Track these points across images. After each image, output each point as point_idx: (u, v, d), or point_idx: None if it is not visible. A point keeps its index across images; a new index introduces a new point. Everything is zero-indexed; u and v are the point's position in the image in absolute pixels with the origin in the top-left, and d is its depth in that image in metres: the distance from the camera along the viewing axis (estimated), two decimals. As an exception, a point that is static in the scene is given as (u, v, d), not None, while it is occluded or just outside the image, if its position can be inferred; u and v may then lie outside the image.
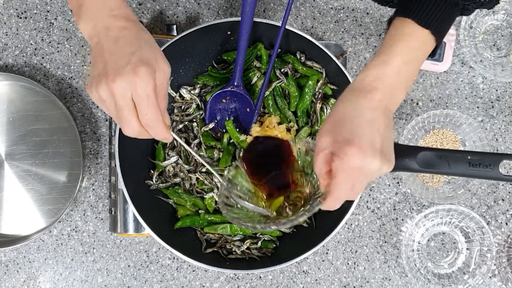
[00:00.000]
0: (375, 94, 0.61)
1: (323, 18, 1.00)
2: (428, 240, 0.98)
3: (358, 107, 0.61)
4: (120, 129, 0.83)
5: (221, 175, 0.80)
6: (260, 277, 0.98)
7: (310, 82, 0.89)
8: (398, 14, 0.65)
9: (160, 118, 0.62)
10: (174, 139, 0.69)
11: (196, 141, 0.90)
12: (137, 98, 0.60)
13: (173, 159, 0.90)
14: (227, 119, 0.91)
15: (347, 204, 0.81)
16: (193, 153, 0.77)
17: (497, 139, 0.99)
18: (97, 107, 0.99)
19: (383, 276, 0.98)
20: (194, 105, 0.92)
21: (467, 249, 0.97)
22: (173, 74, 0.91)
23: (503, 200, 0.98)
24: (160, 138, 0.65)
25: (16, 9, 0.99)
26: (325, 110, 0.90)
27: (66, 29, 0.99)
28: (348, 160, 0.57)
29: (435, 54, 0.69)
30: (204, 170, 0.90)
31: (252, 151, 0.71)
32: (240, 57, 0.86)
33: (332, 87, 0.90)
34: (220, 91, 0.89)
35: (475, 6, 0.67)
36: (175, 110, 0.93)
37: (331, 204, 0.61)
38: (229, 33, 0.89)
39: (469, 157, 0.79)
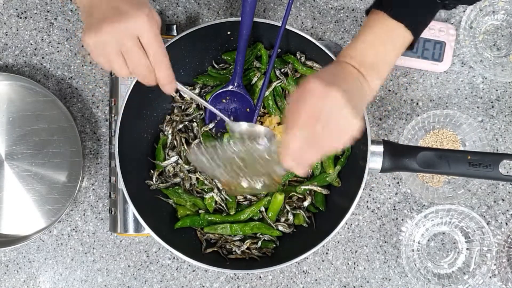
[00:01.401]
0: (346, 65, 0.66)
1: (323, 18, 1.00)
2: (428, 240, 0.98)
3: (333, 68, 0.67)
4: (120, 128, 0.83)
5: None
6: (260, 277, 0.98)
7: (310, 82, 0.89)
8: (374, 6, 0.68)
9: (167, 58, 0.64)
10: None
11: (196, 141, 0.90)
12: (145, 36, 0.61)
13: (173, 159, 0.90)
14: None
15: (347, 204, 0.81)
16: (194, 96, 0.77)
17: (497, 139, 0.99)
18: (97, 107, 0.99)
19: (383, 276, 0.98)
20: (194, 105, 0.92)
21: (467, 249, 0.97)
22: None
23: (503, 200, 0.98)
24: (165, 80, 0.66)
25: (16, 9, 0.99)
26: (325, 110, 0.90)
27: (66, 29, 0.99)
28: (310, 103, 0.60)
29: (413, 47, 0.71)
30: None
31: None
32: (240, 57, 0.86)
33: (332, 87, 0.90)
34: (220, 91, 0.89)
35: (455, 2, 0.69)
36: (175, 110, 0.93)
37: (290, 136, 0.61)
38: (229, 33, 0.89)
39: (469, 157, 0.79)
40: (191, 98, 0.92)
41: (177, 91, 0.92)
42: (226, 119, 0.83)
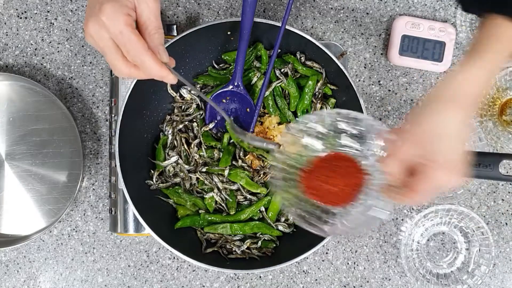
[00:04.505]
0: (464, 103, 0.60)
1: (323, 18, 1.00)
2: (428, 240, 0.98)
3: (446, 121, 0.61)
4: (120, 128, 0.84)
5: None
6: (260, 277, 0.98)
7: (310, 82, 0.89)
8: (491, 11, 0.60)
9: (146, 52, 0.59)
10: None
11: (196, 141, 0.91)
12: (113, 37, 0.58)
13: (173, 159, 0.90)
14: (227, 119, 0.91)
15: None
16: (187, 83, 0.70)
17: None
18: (98, 107, 0.99)
19: (383, 276, 0.98)
20: (194, 105, 0.92)
21: (467, 249, 0.97)
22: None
23: (503, 200, 0.98)
24: (156, 76, 0.61)
25: (16, 9, 1.00)
26: (324, 110, 0.90)
27: (66, 29, 0.99)
28: (434, 178, 0.60)
29: None
30: (204, 170, 0.90)
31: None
32: (240, 57, 0.86)
33: (332, 87, 0.90)
34: (220, 91, 0.89)
35: None
36: (175, 110, 0.93)
37: (414, 200, 0.62)
38: (229, 33, 0.89)
39: (469, 157, 0.79)
40: (191, 98, 0.92)
41: (177, 91, 0.92)
42: (228, 119, 0.81)
